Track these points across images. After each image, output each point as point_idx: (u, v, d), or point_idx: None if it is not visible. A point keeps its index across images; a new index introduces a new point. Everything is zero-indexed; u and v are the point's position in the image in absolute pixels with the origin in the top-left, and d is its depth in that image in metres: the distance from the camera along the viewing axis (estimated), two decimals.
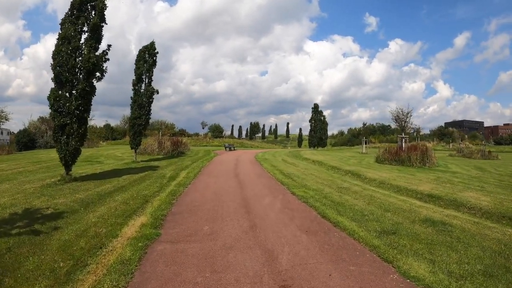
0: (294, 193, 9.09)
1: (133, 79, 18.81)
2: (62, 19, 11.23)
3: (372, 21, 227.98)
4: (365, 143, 38.31)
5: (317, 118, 50.62)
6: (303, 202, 7.95)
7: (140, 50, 19.20)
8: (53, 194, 8.37)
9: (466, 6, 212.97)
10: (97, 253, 4.42)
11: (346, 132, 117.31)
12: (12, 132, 51.36)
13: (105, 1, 11.42)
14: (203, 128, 78.98)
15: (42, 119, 42.83)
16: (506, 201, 8.32)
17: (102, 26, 11.52)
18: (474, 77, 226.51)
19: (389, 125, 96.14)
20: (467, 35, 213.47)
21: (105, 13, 11.48)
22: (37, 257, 4.19)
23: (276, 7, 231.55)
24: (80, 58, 10.90)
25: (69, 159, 10.84)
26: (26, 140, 35.99)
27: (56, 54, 10.78)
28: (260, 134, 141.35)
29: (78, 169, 14.35)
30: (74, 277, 3.73)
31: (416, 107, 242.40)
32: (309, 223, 6.08)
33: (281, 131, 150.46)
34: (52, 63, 10.77)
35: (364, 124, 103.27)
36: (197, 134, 69.58)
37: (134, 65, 19.02)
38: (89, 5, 11.26)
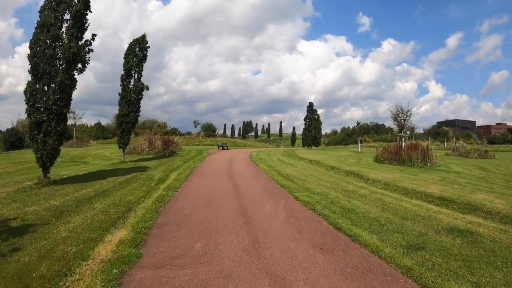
0: (297, 198, 8.14)
1: (122, 74, 17.69)
2: (42, 6, 10.15)
3: (365, 21, 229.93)
4: (361, 142, 37.65)
5: (312, 117, 49.84)
6: (310, 209, 7.01)
7: (130, 43, 18.07)
8: (25, 201, 7.33)
9: (459, 7, 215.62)
10: (59, 283, 3.44)
11: (339, 131, 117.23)
12: (0, 131, 49.61)
13: None
14: (195, 127, 77.60)
15: None
16: None
17: (86, 14, 10.47)
18: (466, 77, 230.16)
19: (383, 124, 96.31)
20: (459, 35, 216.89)
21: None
22: None
23: (270, 6, 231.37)
24: (60, 48, 9.87)
25: (46, 160, 9.78)
26: (13, 140, 34.55)
27: (33, 43, 9.74)
28: (253, 133, 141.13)
29: (60, 171, 13.26)
30: None
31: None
32: (322, 237, 5.14)
33: (274, 130, 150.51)
34: (29, 53, 9.70)
35: (358, 123, 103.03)
36: (189, 133, 68.29)
37: (123, 59, 17.94)
38: None
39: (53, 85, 9.65)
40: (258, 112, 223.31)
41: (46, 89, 9.63)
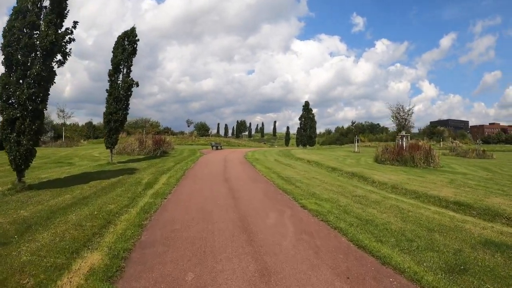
0: (305, 207, 7.14)
1: (110, 69, 16.54)
2: None
3: (359, 21, 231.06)
4: (357, 142, 37.01)
5: (307, 116, 49.05)
6: (321, 220, 6.02)
7: (119, 36, 16.89)
8: None
9: (452, 8, 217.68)
10: None
11: (333, 131, 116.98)
12: None
13: None
14: (188, 126, 76.08)
15: None
16: None
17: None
18: (459, 77, 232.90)
19: (378, 124, 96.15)
20: (453, 36, 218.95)
21: None
22: None
23: (265, 6, 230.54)
24: (38, 37, 8.82)
25: (20, 163, 8.71)
26: None
27: (7, 31, 8.75)
28: (246, 133, 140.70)
29: (42, 173, 12.15)
30: None
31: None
32: (345, 259, 4.16)
33: (268, 129, 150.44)
34: (2, 42, 8.65)
35: (353, 123, 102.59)
36: (182, 133, 66.89)
37: (112, 53, 16.79)
38: None
39: (29, 78, 8.59)
40: (251, 111, 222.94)
41: (20, 82, 8.57)
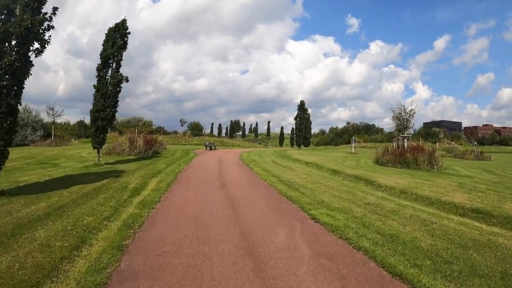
0: (316, 219, 6.16)
1: (98, 64, 15.43)
2: None
3: (354, 22, 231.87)
4: (354, 143, 36.43)
5: (303, 116, 48.21)
6: (339, 237, 5.06)
7: (109, 28, 15.75)
8: None
9: (447, 10, 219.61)
10: None
11: (327, 132, 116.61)
12: None
13: None
14: (182, 125, 74.55)
15: None
16: None
17: None
18: (452, 79, 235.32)
19: (373, 124, 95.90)
20: (447, 38, 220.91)
21: None
22: None
23: (260, 6, 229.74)
24: (11, 22, 7.78)
25: None
26: None
27: None
28: (240, 133, 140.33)
29: (21, 176, 11.04)
30: None
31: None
32: None
33: (261, 129, 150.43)
34: None
35: (348, 123, 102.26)
36: (175, 132, 65.52)
37: (102, 46, 15.70)
38: None
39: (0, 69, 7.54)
40: (245, 111, 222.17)
41: None
